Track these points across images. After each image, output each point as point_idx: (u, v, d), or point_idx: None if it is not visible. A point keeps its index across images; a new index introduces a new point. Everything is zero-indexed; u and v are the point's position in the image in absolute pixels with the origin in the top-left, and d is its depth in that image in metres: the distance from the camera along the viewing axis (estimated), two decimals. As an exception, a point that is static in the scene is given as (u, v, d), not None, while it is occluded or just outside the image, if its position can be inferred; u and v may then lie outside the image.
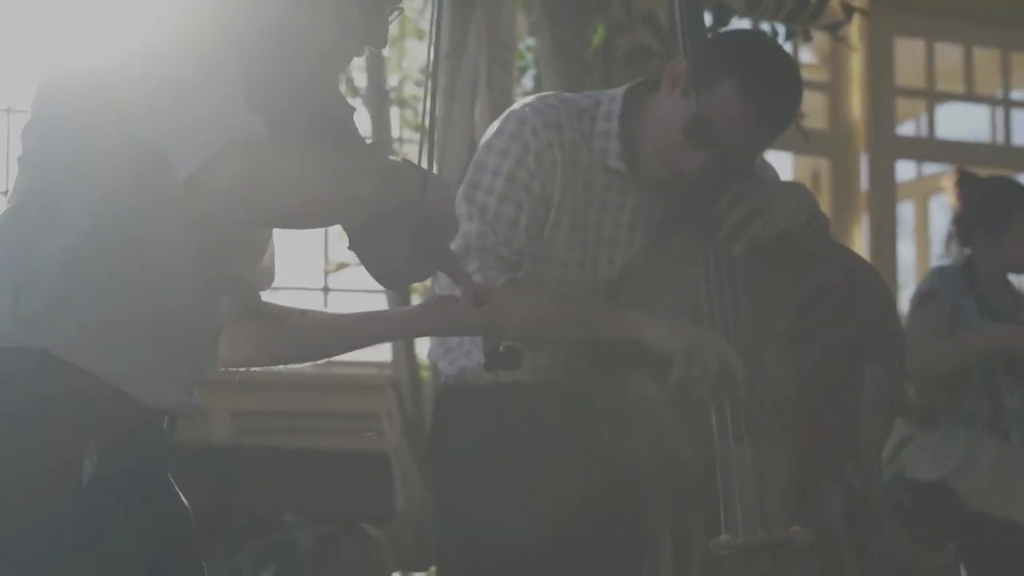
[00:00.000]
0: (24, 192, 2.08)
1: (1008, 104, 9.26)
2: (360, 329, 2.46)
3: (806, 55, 8.72)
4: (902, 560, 2.99)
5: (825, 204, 3.19)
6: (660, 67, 5.14)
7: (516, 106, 3.12)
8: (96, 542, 2.01)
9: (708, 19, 4.99)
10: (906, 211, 9.42)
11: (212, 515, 6.33)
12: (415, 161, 2.15)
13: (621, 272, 3.10)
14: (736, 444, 2.95)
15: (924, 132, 9.28)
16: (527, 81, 6.17)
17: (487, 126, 5.64)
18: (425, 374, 6.13)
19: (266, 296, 2.47)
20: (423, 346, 6.11)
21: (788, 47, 5.98)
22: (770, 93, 2.95)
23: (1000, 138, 9.26)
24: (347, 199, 2.03)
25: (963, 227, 4.75)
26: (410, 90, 7.03)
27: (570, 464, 3.04)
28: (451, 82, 5.62)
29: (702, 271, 3.04)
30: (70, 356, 2.01)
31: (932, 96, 9.14)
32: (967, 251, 4.75)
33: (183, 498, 2.20)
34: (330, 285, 7.74)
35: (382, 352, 6.79)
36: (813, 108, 8.08)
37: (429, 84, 2.29)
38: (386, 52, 6.08)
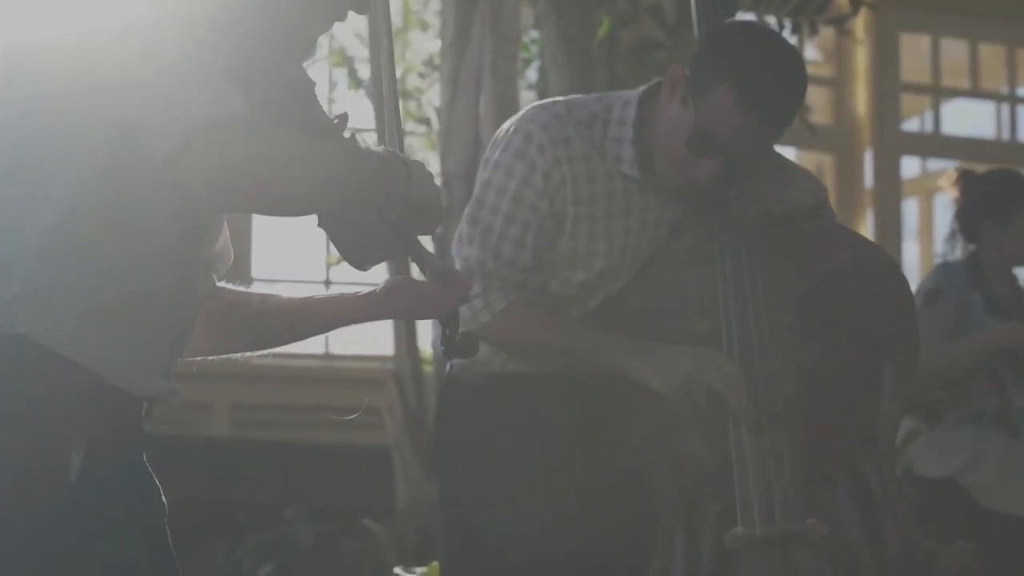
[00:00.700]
0: None
1: (1014, 100, 9.23)
2: (323, 312, 2.36)
3: (811, 51, 8.69)
4: (918, 556, 2.96)
5: (829, 200, 3.17)
6: (665, 59, 5.14)
7: (522, 117, 3.06)
8: (96, 542, 1.96)
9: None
10: (910, 208, 9.38)
11: (212, 510, 6.32)
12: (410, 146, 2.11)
13: (624, 287, 3.07)
14: (751, 436, 2.91)
15: (929, 128, 9.24)
16: (531, 74, 6.15)
17: (491, 117, 5.69)
18: (428, 367, 6.10)
19: (261, 288, 2.40)
20: (425, 339, 6.10)
21: (794, 41, 5.95)
22: (769, 93, 2.87)
23: (1006, 134, 9.22)
24: (331, 187, 1.99)
25: (967, 221, 4.72)
26: (413, 82, 6.99)
27: (578, 456, 3.01)
28: (455, 73, 5.59)
29: (717, 261, 3.01)
30: (50, 342, 1.94)
31: (937, 92, 9.11)
32: (971, 247, 4.73)
33: (162, 492, 2.13)
34: (332, 278, 7.72)
35: (384, 345, 6.76)
36: (817, 104, 8.05)
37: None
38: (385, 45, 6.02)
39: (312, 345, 7.69)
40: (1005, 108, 9.25)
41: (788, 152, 8.59)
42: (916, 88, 9.07)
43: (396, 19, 6.38)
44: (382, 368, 6.63)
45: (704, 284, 3.02)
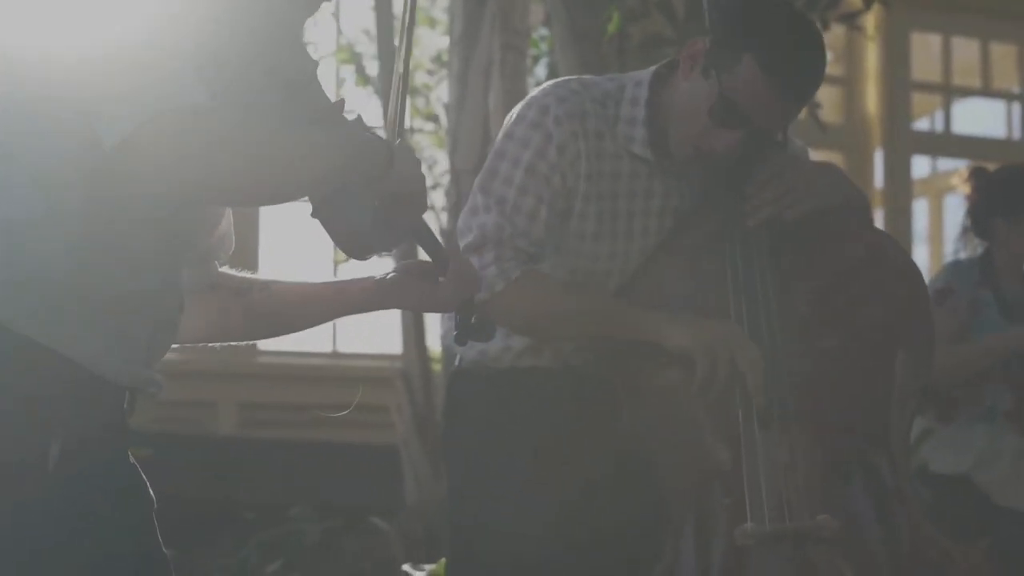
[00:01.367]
0: None
1: (1025, 99, 9.22)
2: (330, 299, 2.30)
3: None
4: (932, 552, 2.93)
5: (863, 197, 3.15)
6: (675, 55, 5.10)
7: (537, 92, 3.04)
8: (82, 539, 1.91)
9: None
10: (919, 209, 9.35)
11: (219, 508, 6.31)
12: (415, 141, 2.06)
13: (636, 269, 3.04)
14: (762, 430, 2.88)
15: (940, 128, 9.21)
16: (540, 70, 6.13)
17: (500, 113, 5.67)
18: (436, 366, 6.09)
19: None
20: (434, 338, 6.07)
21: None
22: (794, 64, 2.87)
23: (1016, 133, 9.20)
24: (298, 174, 1.93)
25: (978, 218, 4.71)
26: (421, 79, 6.98)
27: (587, 450, 2.98)
28: (464, 69, 5.57)
29: (728, 254, 2.98)
30: (27, 330, 1.89)
31: (948, 91, 9.08)
32: (983, 244, 4.71)
33: (148, 486, 2.08)
34: (339, 276, 7.69)
35: (392, 343, 6.75)
36: (828, 102, 8.02)
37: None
38: (397, 40, 6.01)
39: (319, 343, 7.68)
40: (1016, 107, 9.23)
41: (798, 151, 8.57)
42: (927, 87, 9.05)
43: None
44: (390, 367, 6.62)
45: (713, 277, 2.99)
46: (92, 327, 1.94)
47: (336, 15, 7.30)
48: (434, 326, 6.08)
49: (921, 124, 9.29)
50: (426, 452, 5.93)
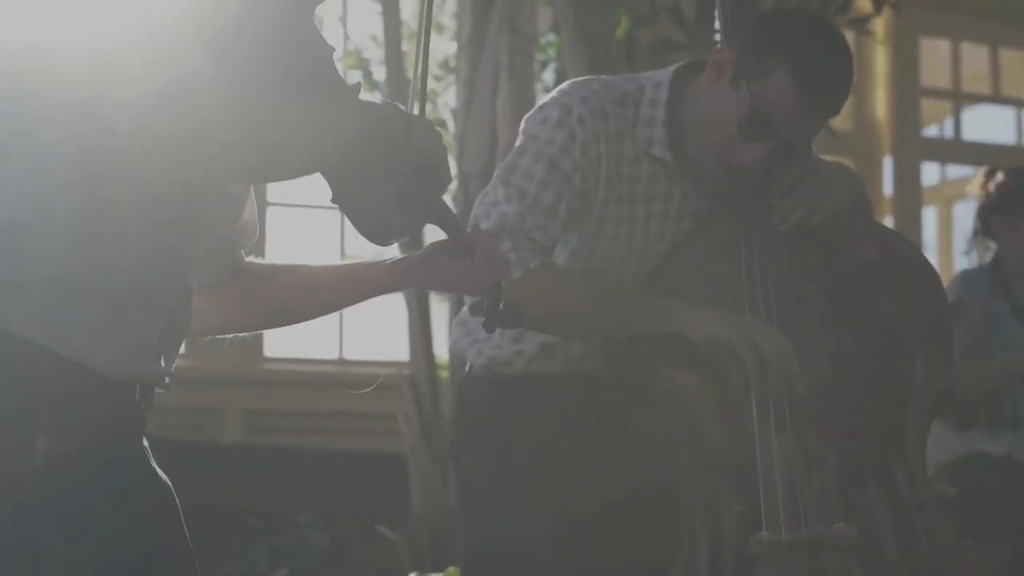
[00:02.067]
0: None
1: (1035, 106, 9.19)
2: (355, 279, 2.27)
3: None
4: (950, 560, 2.90)
5: (866, 194, 3.13)
6: (684, 60, 5.09)
7: (556, 93, 3.01)
8: (82, 539, 1.88)
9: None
10: (928, 217, 9.32)
11: (226, 515, 6.28)
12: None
13: (652, 270, 3.01)
14: (778, 435, 2.85)
15: (949, 134, 9.19)
16: (548, 75, 6.12)
17: (508, 118, 5.66)
18: (443, 373, 6.06)
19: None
20: (441, 345, 6.05)
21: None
22: (826, 78, 2.85)
23: (1027, 140, 9.18)
24: (319, 144, 1.91)
25: (984, 218, 4.71)
26: (428, 83, 6.94)
27: (598, 457, 2.95)
28: (472, 73, 5.56)
29: (745, 259, 2.95)
30: (26, 330, 1.86)
31: (958, 97, 9.05)
32: (992, 247, 4.70)
33: (168, 482, 2.05)
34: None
35: (399, 351, 6.72)
36: (837, 108, 8.00)
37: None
38: (405, 46, 6.01)
39: (326, 350, 7.67)
40: (1026, 114, 9.21)
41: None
42: (936, 93, 9.02)
43: (411, 22, 6.34)
44: (398, 374, 6.59)
45: (728, 281, 2.96)
46: (92, 326, 1.92)
47: (343, 20, 7.30)
48: (441, 334, 6.07)
49: (930, 131, 9.26)
50: (433, 460, 5.91)
